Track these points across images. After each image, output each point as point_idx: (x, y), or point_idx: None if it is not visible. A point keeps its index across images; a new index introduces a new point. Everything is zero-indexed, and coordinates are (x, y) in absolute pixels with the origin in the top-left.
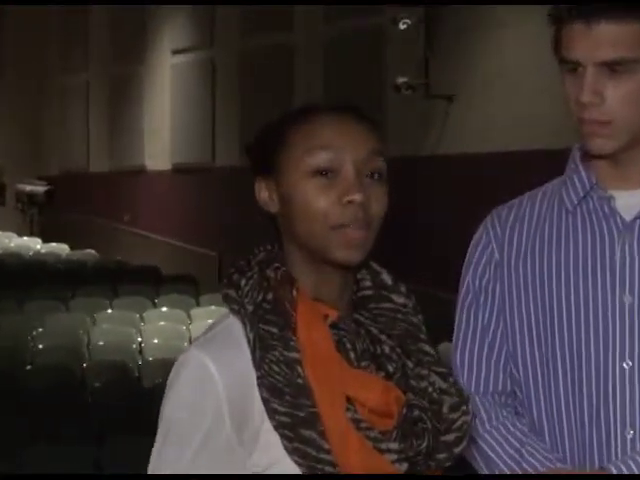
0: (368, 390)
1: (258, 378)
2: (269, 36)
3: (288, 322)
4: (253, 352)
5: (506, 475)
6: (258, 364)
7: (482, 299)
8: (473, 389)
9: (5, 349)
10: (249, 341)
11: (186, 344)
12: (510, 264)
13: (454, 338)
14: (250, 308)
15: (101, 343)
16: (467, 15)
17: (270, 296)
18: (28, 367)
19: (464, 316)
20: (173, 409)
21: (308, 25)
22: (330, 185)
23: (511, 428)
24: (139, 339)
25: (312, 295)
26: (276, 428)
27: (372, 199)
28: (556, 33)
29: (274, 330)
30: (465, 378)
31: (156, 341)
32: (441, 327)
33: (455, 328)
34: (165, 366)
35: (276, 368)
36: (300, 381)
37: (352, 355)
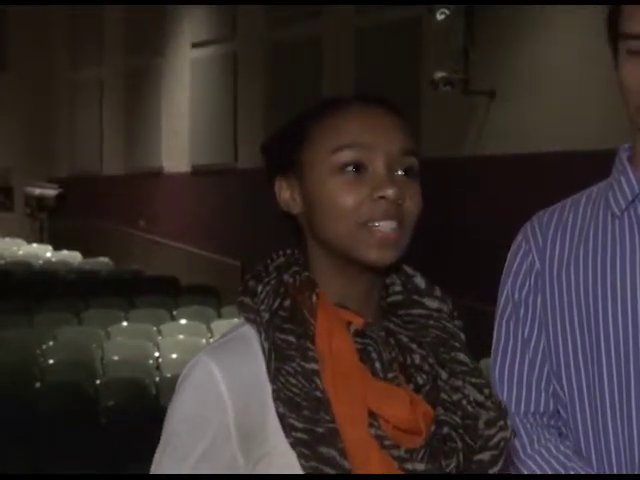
0: (393, 404)
1: (274, 391)
2: (296, 27)
3: (306, 330)
4: (268, 363)
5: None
6: (274, 376)
7: (522, 312)
8: (513, 409)
9: (13, 365)
10: (264, 351)
11: None
12: (552, 274)
13: (492, 354)
14: (266, 316)
15: (115, 358)
16: (510, 4)
17: (287, 303)
18: (37, 384)
19: (503, 330)
20: (175, 418)
21: (338, 15)
22: (359, 181)
23: (554, 451)
24: (156, 354)
25: (336, 301)
26: (293, 446)
27: (406, 196)
28: (614, 8)
29: (291, 339)
30: (505, 397)
31: (174, 356)
32: (479, 342)
33: (493, 343)
34: None
35: (293, 380)
36: (319, 394)
37: (378, 365)
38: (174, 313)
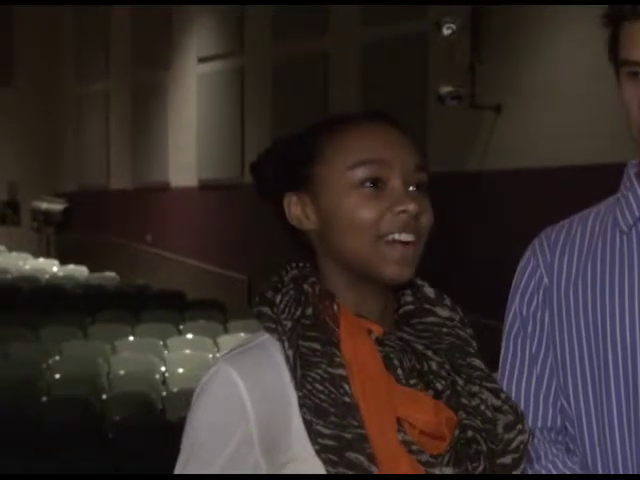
0: (419, 410)
1: (300, 398)
2: (302, 41)
3: (331, 337)
4: (294, 371)
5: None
6: (300, 383)
7: (530, 328)
8: None
9: (19, 379)
10: (288, 359)
11: None
12: (560, 290)
13: (500, 369)
14: (288, 324)
15: (122, 373)
16: (516, 19)
17: (310, 311)
18: (43, 399)
19: (511, 346)
20: (197, 428)
21: (344, 30)
22: (378, 196)
23: (561, 467)
24: (162, 369)
25: (353, 312)
26: (319, 453)
27: (422, 210)
28: (614, 34)
29: (316, 346)
30: None
31: (181, 371)
32: (487, 357)
33: (501, 358)
34: (190, 398)
35: (320, 387)
36: (347, 399)
37: (400, 372)
38: (180, 328)
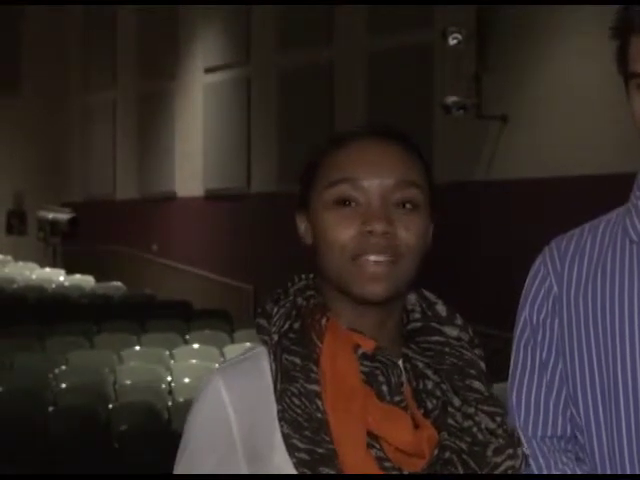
0: (395, 427)
1: (279, 412)
2: (308, 51)
3: (311, 353)
4: (275, 384)
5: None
6: (279, 397)
7: (540, 336)
8: (530, 433)
9: (25, 389)
10: (271, 372)
11: None
12: (570, 299)
13: (509, 378)
14: (275, 337)
15: (128, 383)
16: (522, 29)
17: (297, 325)
18: (50, 409)
19: (521, 354)
20: (187, 435)
21: (350, 40)
22: (352, 216)
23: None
24: (169, 378)
25: (348, 326)
26: (296, 466)
27: (399, 228)
28: (622, 46)
29: (297, 361)
30: (522, 421)
31: (187, 380)
32: (497, 366)
33: (511, 367)
34: None
35: (297, 401)
36: (319, 415)
37: (384, 388)
38: (187, 337)
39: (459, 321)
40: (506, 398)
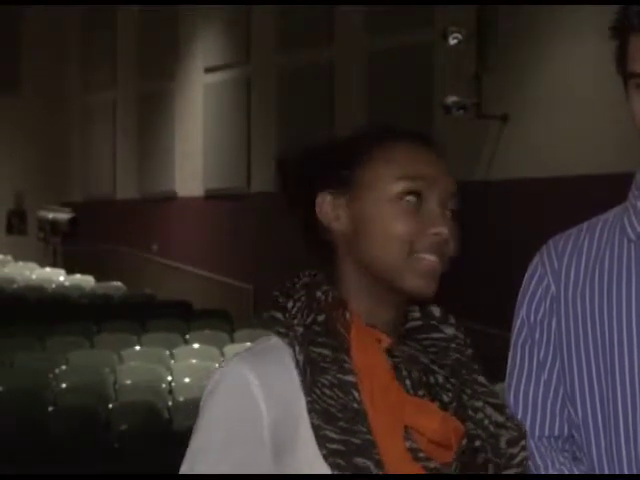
0: (427, 418)
1: (309, 403)
2: (308, 51)
3: (342, 344)
4: (303, 375)
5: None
6: (309, 388)
7: (537, 335)
8: (528, 432)
9: (25, 389)
10: (298, 364)
11: None
12: (567, 298)
13: (507, 377)
14: (300, 330)
15: (128, 382)
16: (522, 29)
17: (321, 318)
18: (50, 409)
19: (518, 354)
20: (208, 429)
21: (350, 40)
22: (415, 213)
23: (567, 473)
24: (169, 378)
25: (365, 321)
26: (326, 457)
27: (451, 236)
28: (621, 45)
29: (327, 352)
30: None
31: (187, 380)
32: (494, 366)
33: (508, 367)
34: (197, 407)
35: (329, 392)
36: (356, 406)
37: (408, 383)
38: (187, 337)
39: (452, 321)
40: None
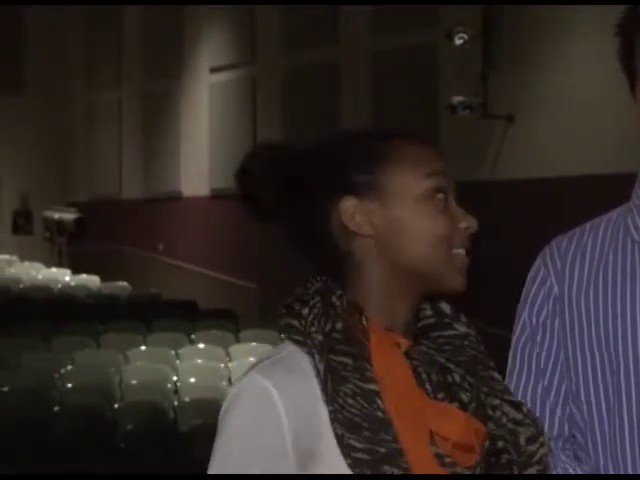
0: (451, 423)
1: (331, 412)
2: (313, 51)
3: (362, 352)
4: (324, 384)
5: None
6: (331, 397)
7: (539, 337)
8: None
9: (31, 389)
10: (319, 373)
11: (225, 383)
12: (571, 299)
13: (507, 377)
14: (319, 338)
15: (134, 382)
16: (528, 28)
17: (339, 325)
18: (55, 409)
19: (519, 354)
20: (229, 441)
21: (355, 40)
22: (442, 209)
23: (571, 471)
24: (174, 378)
25: (382, 325)
26: (352, 467)
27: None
28: (627, 44)
29: (347, 361)
30: None
31: (193, 380)
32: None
33: (509, 367)
34: (203, 407)
35: (351, 401)
36: (380, 414)
37: (429, 387)
38: (192, 337)
39: (464, 318)
40: None
